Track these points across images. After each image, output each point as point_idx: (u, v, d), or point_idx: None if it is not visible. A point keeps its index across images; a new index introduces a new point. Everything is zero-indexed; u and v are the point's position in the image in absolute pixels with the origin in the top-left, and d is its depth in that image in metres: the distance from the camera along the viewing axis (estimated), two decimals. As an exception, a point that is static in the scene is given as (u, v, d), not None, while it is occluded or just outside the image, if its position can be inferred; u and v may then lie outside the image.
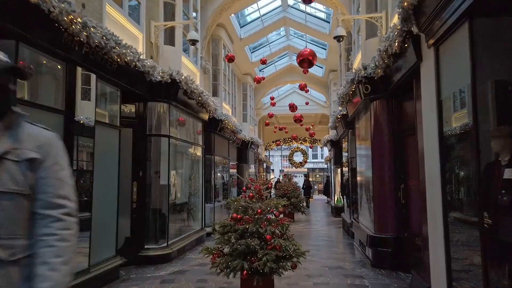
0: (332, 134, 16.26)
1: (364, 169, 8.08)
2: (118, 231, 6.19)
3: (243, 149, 17.06)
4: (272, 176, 38.07)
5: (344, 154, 12.91)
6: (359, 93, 7.17)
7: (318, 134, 32.30)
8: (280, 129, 18.11)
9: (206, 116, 9.76)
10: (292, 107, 15.22)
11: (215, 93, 11.83)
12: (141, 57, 6.04)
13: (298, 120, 14.41)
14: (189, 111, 8.60)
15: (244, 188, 5.19)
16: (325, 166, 46.52)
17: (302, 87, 12.46)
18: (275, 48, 17.20)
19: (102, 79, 5.49)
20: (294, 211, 14.33)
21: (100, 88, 5.63)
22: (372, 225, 6.98)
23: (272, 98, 15.24)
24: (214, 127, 10.79)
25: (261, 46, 17.09)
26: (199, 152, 9.80)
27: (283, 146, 51.27)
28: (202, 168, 9.98)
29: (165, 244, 7.05)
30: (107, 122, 5.84)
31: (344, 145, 12.56)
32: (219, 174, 13.37)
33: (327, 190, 28.20)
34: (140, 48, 6.96)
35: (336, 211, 16.23)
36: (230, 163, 15.60)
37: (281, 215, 5.29)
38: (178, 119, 8.43)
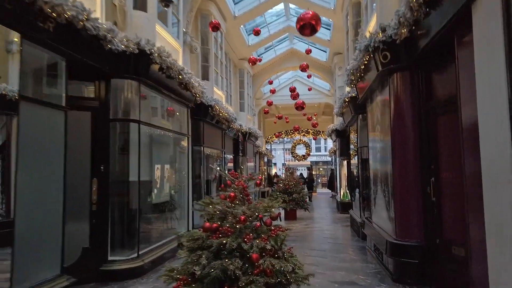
0: (337, 122, 14.83)
1: (379, 160, 6.67)
2: (72, 241, 4.86)
3: (240, 141, 15.67)
4: (274, 171, 36.68)
5: (352, 144, 11.48)
6: (374, 65, 5.74)
7: (322, 126, 30.83)
8: (280, 117, 16.68)
9: (192, 101, 8.37)
10: (293, 91, 13.83)
11: (205, 77, 10.44)
12: (91, 15, 4.63)
13: (300, 107, 12.97)
14: (168, 93, 7.20)
15: (223, 185, 3.78)
16: (329, 159, 45.16)
17: (304, 68, 11.02)
18: (274, 29, 15.72)
19: (34, 42, 4.09)
20: (297, 208, 12.96)
21: (35, 54, 4.24)
22: (392, 228, 5.59)
23: (270, 82, 13.80)
24: (203, 114, 9.39)
25: (259, 27, 15.60)
26: (185, 143, 8.41)
27: (285, 138, 49.96)
28: (189, 161, 8.61)
29: (135, 255, 5.70)
30: (44, 100, 4.44)
31: (352, 134, 11.13)
32: (215, 168, 12.01)
33: (331, 184, 26.83)
34: (98, 11, 5.54)
35: (342, 207, 14.85)
36: (227, 156, 14.24)
37: (279, 220, 3.93)
38: (155, 103, 7.04)
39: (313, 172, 32.01)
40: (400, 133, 5.41)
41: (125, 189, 5.83)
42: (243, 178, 3.78)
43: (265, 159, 28.60)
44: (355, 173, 11.50)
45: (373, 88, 6.76)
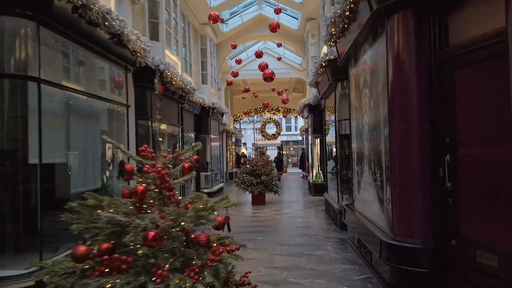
0: (310, 97, 13.41)
1: (367, 134, 5.26)
2: None
3: (203, 116, 13.95)
4: (243, 150, 35.18)
5: (329, 117, 10.09)
6: (367, 4, 4.22)
7: (293, 103, 29.41)
8: (247, 90, 15.02)
9: (132, 62, 6.60)
10: (259, 56, 12.24)
11: (154, 36, 8.60)
12: None
13: (269, 78, 11.37)
14: (94, 47, 5.41)
15: (127, 177, 2.11)
16: (300, 138, 44.23)
17: (274, 28, 9.39)
18: (240, -10, 13.89)
19: None
20: (265, 192, 11.57)
21: None
22: (388, 222, 4.23)
23: (233, 47, 12.04)
24: (149, 80, 7.62)
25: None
26: (122, 115, 6.66)
27: (255, 117, 48.43)
28: (129, 138, 6.90)
29: (29, 270, 4.00)
30: None
31: (328, 106, 9.72)
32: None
33: (302, 164, 25.75)
34: None
35: (315, 188, 13.64)
36: (188, 134, 12.54)
37: (226, 244, 2.45)
38: (71, 58, 5.24)
39: (284, 152, 30.82)
40: (401, 96, 3.97)
41: (19, 175, 4.11)
42: (163, 158, 2.20)
43: (233, 139, 27.02)
44: (331, 152, 10.18)
45: (360, 42, 5.27)
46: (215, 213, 2.11)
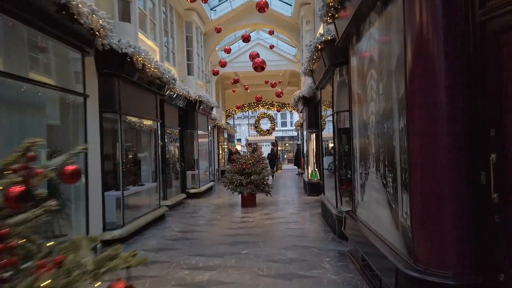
0: (305, 88, 12.35)
1: (374, 126, 4.21)
2: None
3: (189, 111, 12.85)
4: (236, 146, 34.06)
5: (324, 110, 9.04)
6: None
7: (287, 98, 28.36)
8: (236, 81, 13.99)
9: (90, 43, 5.50)
10: (247, 40, 11.19)
11: (125, 17, 7.49)
12: None
13: (260, 67, 10.34)
14: (31, 19, 4.30)
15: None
16: (296, 133, 43.22)
17: (262, 7, 8.40)
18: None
19: None
20: (256, 192, 10.53)
21: None
22: (403, 242, 3.20)
23: (218, 30, 10.96)
24: (116, 67, 6.53)
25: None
26: (79, 107, 5.54)
27: (249, 112, 47.35)
28: (86, 134, 5.82)
29: None
30: None
31: (325, 97, 8.67)
32: (164, 146, 9.25)
33: (297, 161, 24.75)
34: None
35: (311, 188, 12.62)
36: (170, 129, 11.46)
37: None
38: None
39: (279, 148, 29.81)
40: (425, 74, 2.92)
41: None
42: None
43: (226, 135, 25.95)
44: (327, 148, 9.15)
45: (364, 11, 4.21)
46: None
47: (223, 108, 25.75)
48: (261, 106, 30.09)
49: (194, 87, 13.11)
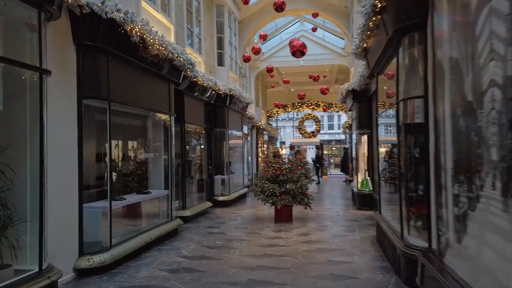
0: (355, 80, 10.23)
1: (499, 109, 2.17)
2: None
3: (218, 106, 11.21)
4: (282, 150, 32.06)
5: (380, 105, 6.90)
6: None
7: (334, 97, 26.07)
8: (270, 69, 12.03)
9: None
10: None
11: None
12: None
13: (299, 51, 8.43)
14: None
15: None
16: (343, 136, 40.48)
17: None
18: None
19: None
20: (293, 204, 8.60)
21: None
22: None
23: (263, 37, 9.16)
24: (102, 38, 4.95)
25: None
26: (34, 86, 3.96)
27: (294, 114, 45.33)
28: (63, 126, 4.27)
29: None
30: None
31: (384, 84, 6.55)
32: (177, 148, 7.68)
33: (345, 166, 22.36)
34: None
35: (361, 200, 10.45)
36: (191, 126, 9.88)
37: None
38: None
39: (324, 152, 27.46)
40: None
41: None
42: None
43: (266, 137, 24.15)
44: (386, 152, 7.01)
45: None
46: None
47: (263, 108, 24.01)
48: (306, 106, 28.01)
49: (225, 79, 11.45)
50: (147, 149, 7.48)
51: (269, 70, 11.79)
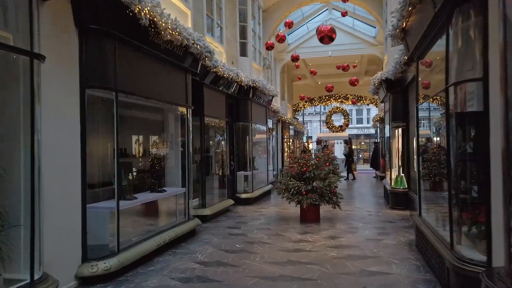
0: (389, 68, 9.37)
1: None
2: None
3: (240, 99, 10.65)
4: (310, 145, 31.16)
5: (423, 93, 6.09)
6: None
7: (364, 90, 24.94)
8: (296, 58, 11.30)
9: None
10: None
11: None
12: None
13: (327, 37, 7.72)
14: None
15: None
16: (372, 131, 39.04)
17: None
18: None
19: None
20: (321, 203, 7.94)
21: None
22: None
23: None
24: (108, 21, 4.47)
25: None
26: (16, 69, 3.50)
27: (321, 108, 44.23)
28: (63, 119, 3.84)
29: None
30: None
31: (425, 70, 5.74)
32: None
33: (375, 161, 21.33)
34: None
35: (395, 199, 9.63)
36: (213, 120, 9.40)
37: None
38: None
39: (353, 147, 26.38)
40: None
41: None
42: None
43: (292, 131, 23.41)
44: (424, 148, 6.21)
45: None
46: None
47: (289, 102, 23.27)
48: (333, 99, 27.01)
49: (248, 70, 10.86)
50: (163, 144, 7.02)
51: (294, 59, 11.06)
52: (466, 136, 3.98)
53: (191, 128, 6.95)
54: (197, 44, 6.19)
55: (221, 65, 8.16)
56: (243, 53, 10.97)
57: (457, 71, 3.83)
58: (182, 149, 6.98)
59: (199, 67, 6.96)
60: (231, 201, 9.60)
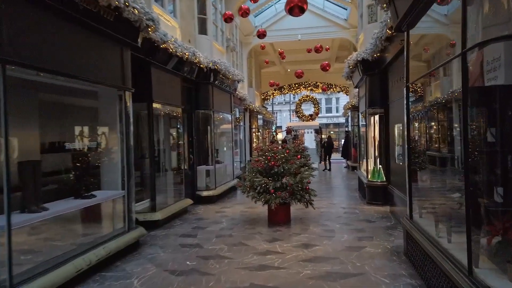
0: (366, 48, 8.33)
1: None
2: None
3: (200, 84, 9.33)
4: (277, 135, 30.14)
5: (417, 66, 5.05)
6: None
7: (335, 78, 24.11)
8: (261, 35, 10.07)
9: None
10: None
11: None
12: None
13: (297, 7, 6.53)
14: None
15: None
16: (342, 120, 38.58)
17: None
18: None
19: None
20: (291, 202, 6.85)
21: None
22: None
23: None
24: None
25: None
26: None
27: (290, 96, 43.29)
28: None
29: None
30: None
31: (419, 39, 4.68)
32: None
33: (346, 151, 20.62)
34: None
35: (372, 193, 8.71)
36: (161, 107, 8.08)
37: None
38: None
39: (322, 136, 25.55)
40: None
41: None
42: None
43: (261, 121, 22.25)
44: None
45: None
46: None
47: (257, 89, 22.07)
48: (303, 87, 26.07)
49: (208, 51, 9.52)
50: (97, 137, 5.62)
51: (261, 34, 9.78)
52: (489, 119, 2.93)
53: (131, 116, 5.59)
54: (132, 8, 4.81)
55: (172, 41, 6.80)
56: (203, 30, 9.60)
57: (482, 31, 2.74)
58: (121, 143, 5.61)
59: (140, 40, 5.58)
60: (190, 201, 8.33)
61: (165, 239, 5.92)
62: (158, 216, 6.70)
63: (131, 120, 5.58)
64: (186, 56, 7.61)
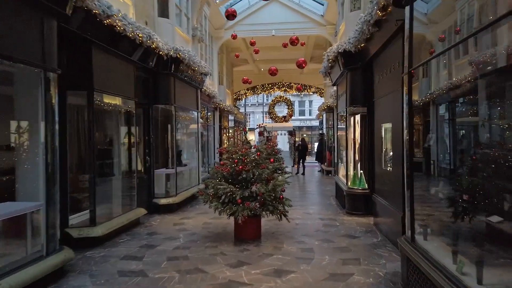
0: (348, 38, 7.37)
1: None
2: None
3: (160, 74, 8.08)
4: (250, 138, 28.99)
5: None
6: None
7: (310, 79, 23.34)
8: (230, 13, 8.90)
9: None
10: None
11: None
12: None
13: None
14: None
15: None
16: (315, 123, 38.01)
17: None
18: None
19: None
20: (261, 214, 5.74)
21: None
22: None
23: None
24: None
25: None
26: None
27: (263, 97, 42.37)
28: None
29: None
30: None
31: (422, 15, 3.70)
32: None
33: (320, 154, 19.79)
34: None
35: (352, 202, 7.76)
36: (107, 98, 6.80)
37: None
38: None
39: (296, 139, 24.66)
40: None
41: None
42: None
43: (232, 123, 21.07)
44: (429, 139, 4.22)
45: None
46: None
47: (229, 88, 20.90)
48: (277, 88, 25.14)
49: (169, 37, 8.29)
50: (5, 133, 4.30)
51: (230, 15, 8.64)
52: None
53: (56, 105, 4.30)
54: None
55: (119, 17, 5.55)
56: (164, 13, 8.34)
57: None
58: (45, 141, 4.30)
59: (70, 8, 4.31)
60: (143, 211, 7.05)
61: (101, 264, 4.64)
62: (98, 231, 5.41)
63: (56, 111, 4.29)
64: (140, 38, 6.35)
